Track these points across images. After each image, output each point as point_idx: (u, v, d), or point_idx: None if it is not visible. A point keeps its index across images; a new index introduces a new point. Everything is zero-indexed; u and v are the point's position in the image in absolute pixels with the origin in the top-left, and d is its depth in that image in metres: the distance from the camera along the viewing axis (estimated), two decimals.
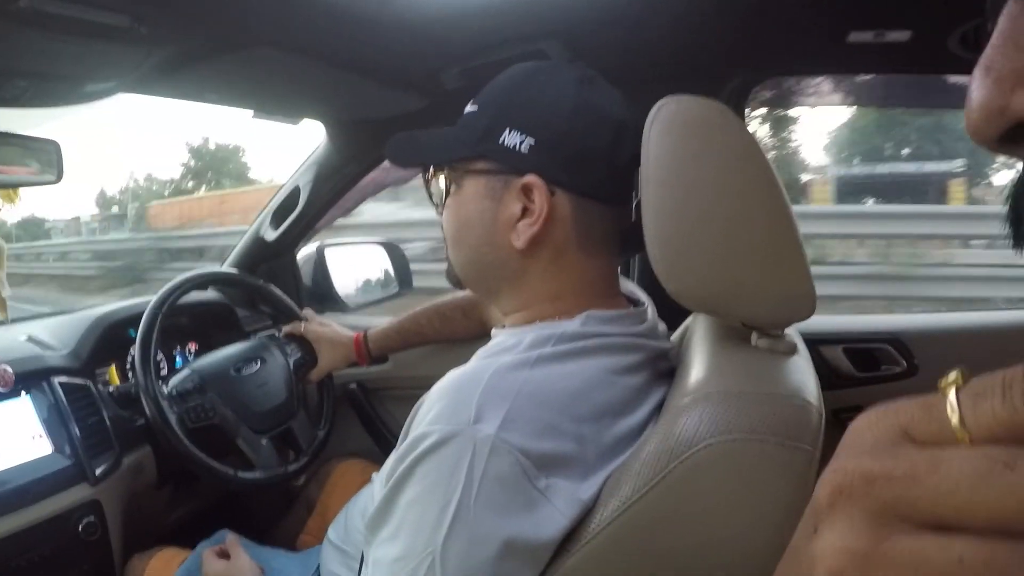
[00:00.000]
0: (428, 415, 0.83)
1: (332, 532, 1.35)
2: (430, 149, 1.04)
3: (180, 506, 1.87)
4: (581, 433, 0.84)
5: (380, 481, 1.03)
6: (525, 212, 0.93)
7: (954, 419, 0.28)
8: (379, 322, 1.88)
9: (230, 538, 1.49)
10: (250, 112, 1.69)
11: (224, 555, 1.44)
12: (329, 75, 1.44)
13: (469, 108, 1.00)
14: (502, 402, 0.80)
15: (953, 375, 0.29)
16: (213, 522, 1.61)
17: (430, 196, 1.06)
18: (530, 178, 0.92)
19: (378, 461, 1.74)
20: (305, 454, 1.74)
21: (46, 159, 1.30)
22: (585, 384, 0.87)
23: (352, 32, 1.23)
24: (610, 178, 0.95)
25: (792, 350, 0.93)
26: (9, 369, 1.39)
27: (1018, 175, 0.35)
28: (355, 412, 2.09)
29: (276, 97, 1.62)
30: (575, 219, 0.94)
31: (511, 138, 0.92)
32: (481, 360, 0.92)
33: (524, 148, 0.92)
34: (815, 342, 1.69)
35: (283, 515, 1.92)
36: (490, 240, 0.97)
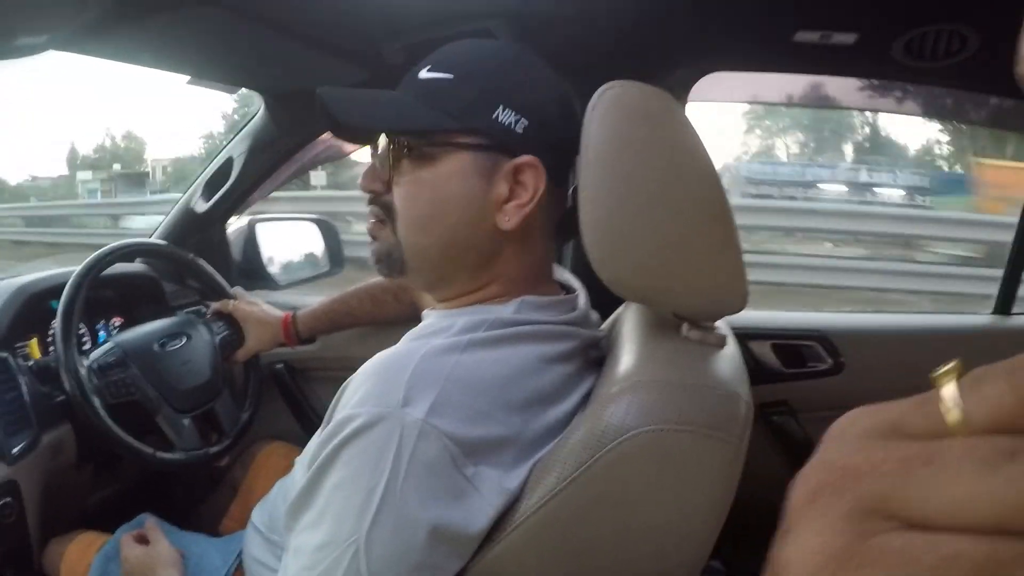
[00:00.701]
0: (355, 396, 0.82)
1: (257, 516, 1.32)
2: (394, 113, 0.95)
3: (101, 488, 1.81)
4: (511, 421, 0.83)
5: (302, 465, 1.01)
6: (511, 193, 0.91)
7: (953, 410, 0.26)
8: (310, 300, 1.85)
9: (149, 523, 1.44)
10: (185, 78, 1.64)
11: (143, 540, 1.39)
12: (269, 41, 1.41)
13: (436, 75, 0.93)
14: (432, 386, 0.79)
15: (951, 364, 0.27)
16: (134, 505, 1.56)
17: (387, 166, 0.95)
18: (528, 158, 0.90)
19: (303, 444, 1.72)
20: (228, 436, 1.70)
21: None
22: (516, 371, 0.86)
23: None
24: (570, 164, 0.96)
25: (722, 343, 0.93)
26: None
27: None
28: (281, 393, 2.05)
29: (213, 63, 1.58)
30: (547, 203, 0.93)
31: (505, 116, 0.89)
32: (411, 342, 0.90)
33: (519, 128, 0.90)
34: (744, 336, 1.71)
35: (206, 499, 1.88)
36: (472, 220, 0.92)
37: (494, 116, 0.90)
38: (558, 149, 0.93)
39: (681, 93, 1.66)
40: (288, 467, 1.37)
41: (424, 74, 0.93)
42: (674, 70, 1.63)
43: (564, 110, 0.93)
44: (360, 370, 0.87)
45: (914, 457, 0.25)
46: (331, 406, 0.92)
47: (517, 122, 0.90)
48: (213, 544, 1.45)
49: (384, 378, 0.82)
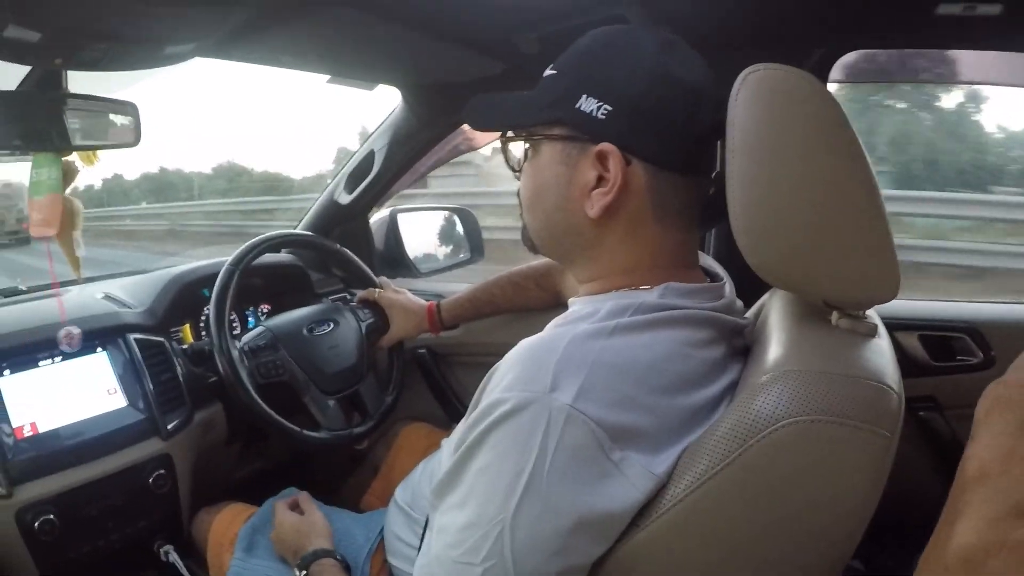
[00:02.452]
0: (503, 382, 0.83)
1: (400, 494, 1.36)
2: (508, 113, 1.03)
3: (248, 464, 1.92)
4: (656, 405, 0.82)
5: (449, 448, 1.03)
6: (600, 180, 0.92)
7: None
8: (452, 288, 1.88)
9: (302, 495, 1.52)
10: (325, 77, 1.69)
11: (295, 509, 1.46)
12: (406, 37, 1.43)
13: (548, 72, 0.98)
14: (579, 371, 0.79)
15: None
16: (279, 481, 1.65)
17: (507, 160, 1.05)
18: (605, 146, 0.90)
19: (444, 426, 1.76)
20: (371, 418, 1.75)
21: (125, 121, 1.31)
22: (662, 356, 0.85)
23: None
24: (688, 148, 0.92)
25: (873, 332, 0.90)
26: (76, 331, 1.43)
27: None
28: (423, 377, 2.10)
29: (352, 61, 1.62)
30: (651, 190, 0.92)
31: (588, 104, 0.91)
32: (557, 328, 0.91)
33: (601, 115, 0.90)
34: (890, 327, 1.65)
35: (347, 476, 1.95)
36: (564, 207, 0.96)
37: (577, 105, 0.91)
38: (656, 130, 0.90)
39: (821, 73, 1.60)
40: (429, 447, 1.41)
41: (546, 72, 0.98)
42: (812, 50, 1.57)
43: (659, 88, 0.90)
44: (508, 355, 0.88)
45: None
46: (478, 391, 0.93)
47: (599, 109, 0.90)
48: (356, 520, 1.50)
49: (532, 363, 0.83)
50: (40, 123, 1.19)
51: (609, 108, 0.90)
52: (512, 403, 0.79)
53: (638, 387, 0.81)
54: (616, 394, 0.80)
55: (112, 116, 1.33)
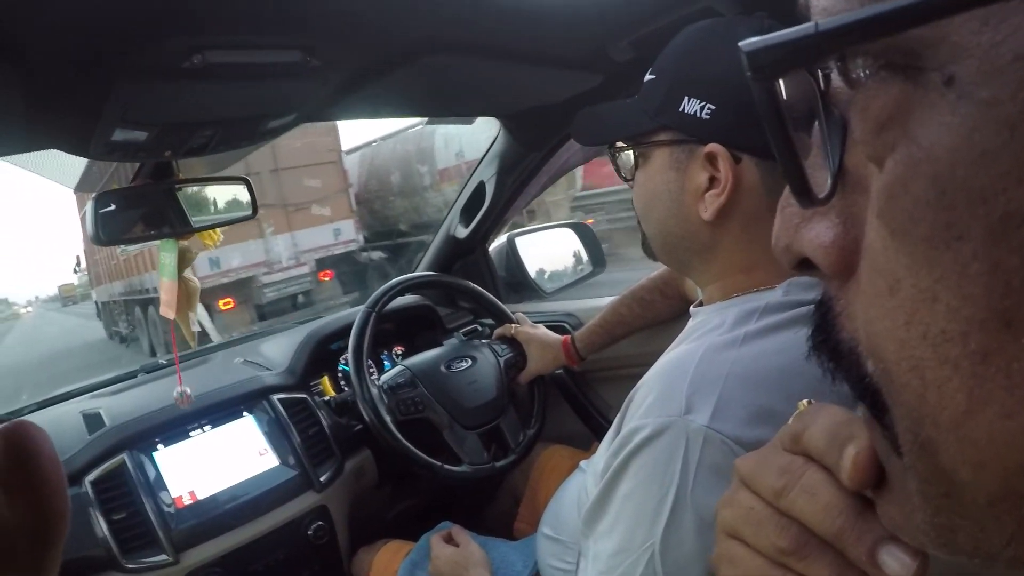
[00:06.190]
0: (641, 407, 0.83)
1: (544, 525, 1.36)
2: (612, 124, 1.02)
3: (400, 502, 1.96)
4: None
5: (593, 473, 1.03)
6: (712, 182, 0.89)
7: None
8: (575, 306, 1.87)
9: (455, 527, 1.54)
10: (424, 119, 1.71)
11: (450, 542, 1.49)
12: (500, 69, 1.43)
13: (648, 77, 0.96)
14: (712, 389, 0.79)
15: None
16: (432, 515, 1.69)
17: (618, 171, 1.04)
18: (713, 147, 0.88)
19: (586, 444, 1.74)
20: (513, 452, 1.77)
21: (240, 196, 1.36)
22: (796, 359, 0.81)
23: (518, 22, 1.21)
24: None
25: None
26: (188, 390, 1.48)
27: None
28: (564, 397, 2.09)
29: (449, 100, 1.62)
30: (765, 185, 0.89)
31: (691, 105, 0.88)
32: (688, 344, 0.90)
33: (705, 115, 0.88)
34: None
35: (489, 504, 1.98)
36: (677, 212, 0.94)
37: (680, 108, 0.89)
38: (760, 124, 0.85)
39: None
40: (570, 468, 1.41)
41: (646, 77, 0.96)
42: None
43: None
44: (644, 379, 0.88)
45: None
46: (619, 416, 0.93)
47: (702, 109, 0.88)
48: (512, 548, 1.52)
49: (666, 386, 0.82)
50: (160, 211, 1.25)
51: (712, 107, 0.88)
52: (650, 429, 0.79)
53: (775, 396, 0.79)
54: (752, 408, 0.78)
55: (227, 190, 1.38)
